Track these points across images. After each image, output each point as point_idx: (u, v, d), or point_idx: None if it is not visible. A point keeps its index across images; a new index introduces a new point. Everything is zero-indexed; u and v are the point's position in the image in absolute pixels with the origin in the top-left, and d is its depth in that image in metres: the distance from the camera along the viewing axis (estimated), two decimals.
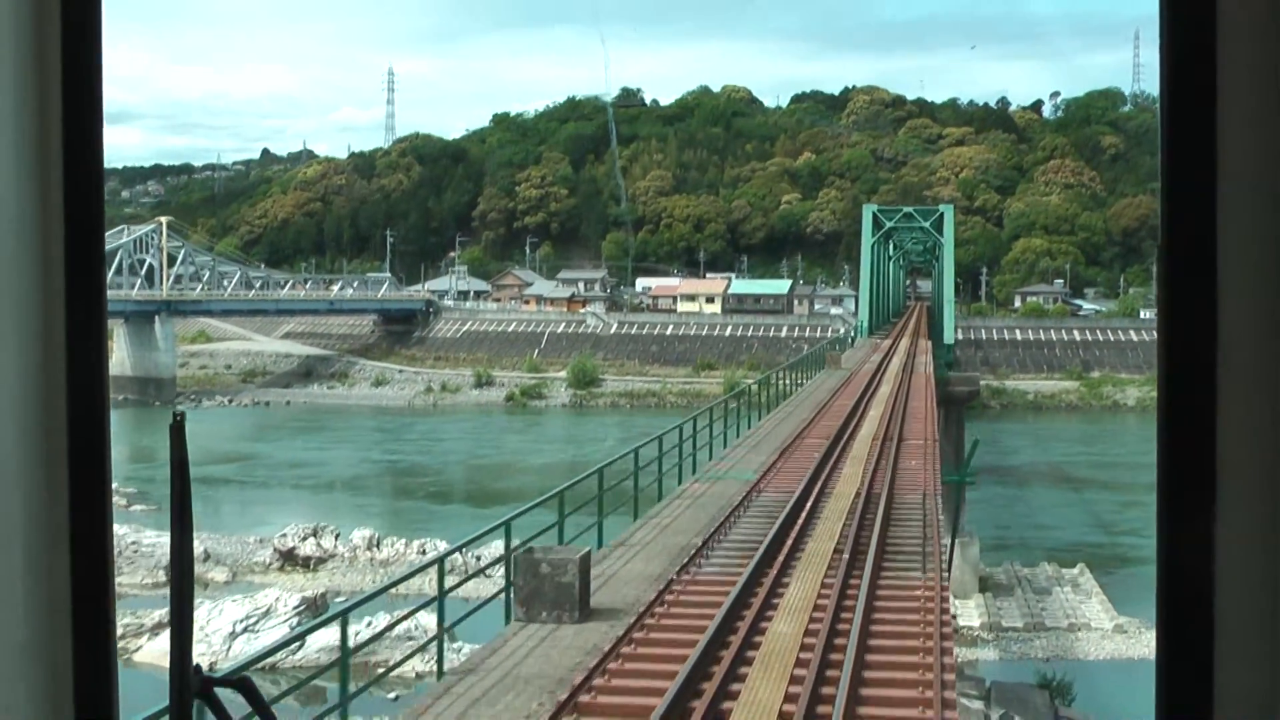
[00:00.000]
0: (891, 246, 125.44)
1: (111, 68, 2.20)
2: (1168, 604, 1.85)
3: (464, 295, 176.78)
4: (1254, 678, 1.81)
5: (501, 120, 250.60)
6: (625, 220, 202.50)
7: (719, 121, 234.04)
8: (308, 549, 63.28)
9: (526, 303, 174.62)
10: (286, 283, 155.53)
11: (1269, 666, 1.80)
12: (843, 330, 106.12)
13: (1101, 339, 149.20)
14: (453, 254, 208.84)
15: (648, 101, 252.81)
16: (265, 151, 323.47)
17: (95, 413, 2.03)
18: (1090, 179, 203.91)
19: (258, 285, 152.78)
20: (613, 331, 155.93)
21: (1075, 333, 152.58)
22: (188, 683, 2.06)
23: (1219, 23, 1.80)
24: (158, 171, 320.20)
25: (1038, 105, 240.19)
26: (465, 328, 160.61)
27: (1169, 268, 1.84)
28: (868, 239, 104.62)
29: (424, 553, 61.41)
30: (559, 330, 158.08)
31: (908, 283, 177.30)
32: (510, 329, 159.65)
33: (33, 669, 1.99)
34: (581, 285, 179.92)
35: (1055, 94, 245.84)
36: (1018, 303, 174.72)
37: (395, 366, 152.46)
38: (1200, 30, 1.81)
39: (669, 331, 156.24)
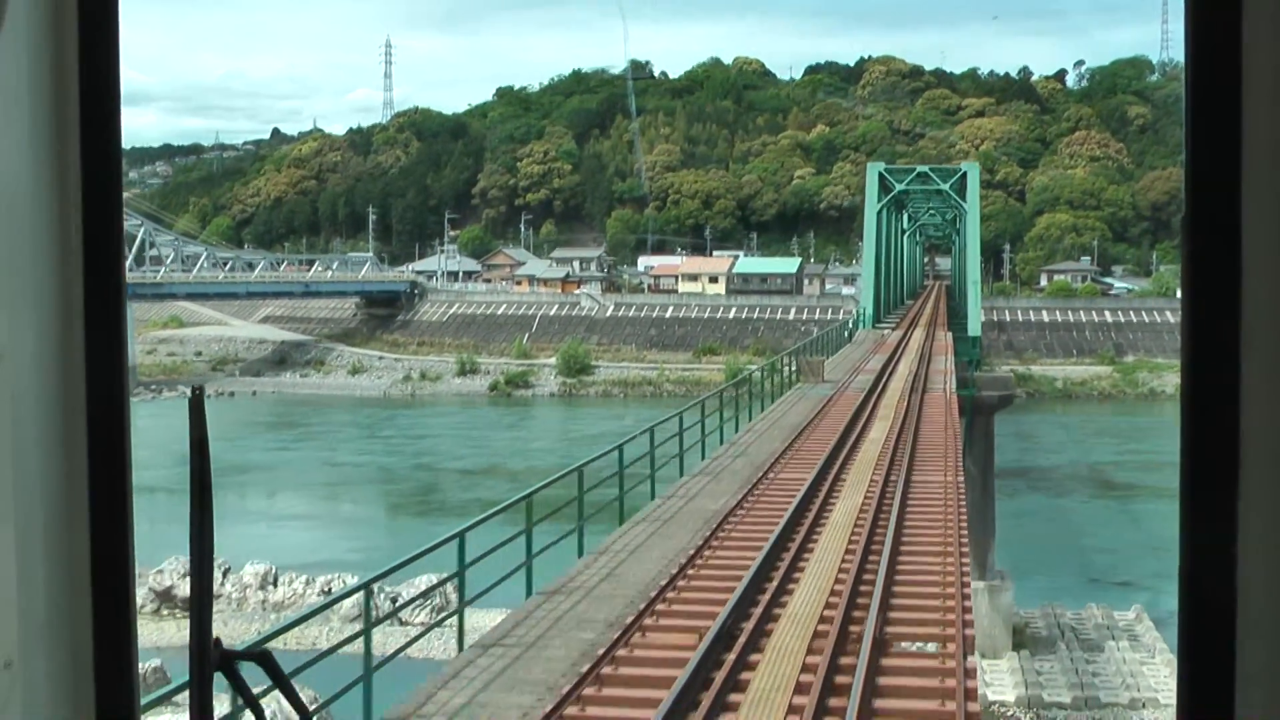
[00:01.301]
0: (906, 219, 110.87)
1: (128, 49, 2.09)
2: (1190, 593, 1.82)
3: (454, 276, 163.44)
4: (1277, 686, 1.78)
5: (505, 94, 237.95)
6: (644, 195, 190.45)
7: (729, 94, 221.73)
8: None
9: (518, 283, 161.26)
10: (258, 264, 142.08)
11: None
12: (855, 313, 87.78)
13: (1135, 320, 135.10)
14: (454, 233, 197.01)
15: (656, 74, 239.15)
16: (276, 131, 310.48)
17: (115, 394, 2.04)
18: (1117, 151, 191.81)
19: (227, 267, 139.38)
20: (609, 314, 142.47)
21: (1106, 313, 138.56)
22: (208, 656, 2.08)
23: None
24: (167, 152, 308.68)
25: (1061, 75, 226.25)
26: (452, 310, 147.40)
27: (1193, 249, 1.80)
28: (872, 205, 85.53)
29: (328, 591, 50.15)
30: (551, 313, 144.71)
31: (925, 260, 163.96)
32: (500, 312, 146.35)
33: (54, 646, 2.00)
34: (577, 265, 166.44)
35: (1079, 63, 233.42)
36: (1043, 281, 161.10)
37: (375, 353, 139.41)
38: (1225, 7, 1.77)
39: (669, 314, 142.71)
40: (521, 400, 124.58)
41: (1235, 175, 1.75)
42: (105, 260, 2.02)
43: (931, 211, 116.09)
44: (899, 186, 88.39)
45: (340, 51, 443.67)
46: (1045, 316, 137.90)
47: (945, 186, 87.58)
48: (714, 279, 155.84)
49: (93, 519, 2.01)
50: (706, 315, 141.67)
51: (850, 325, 73.35)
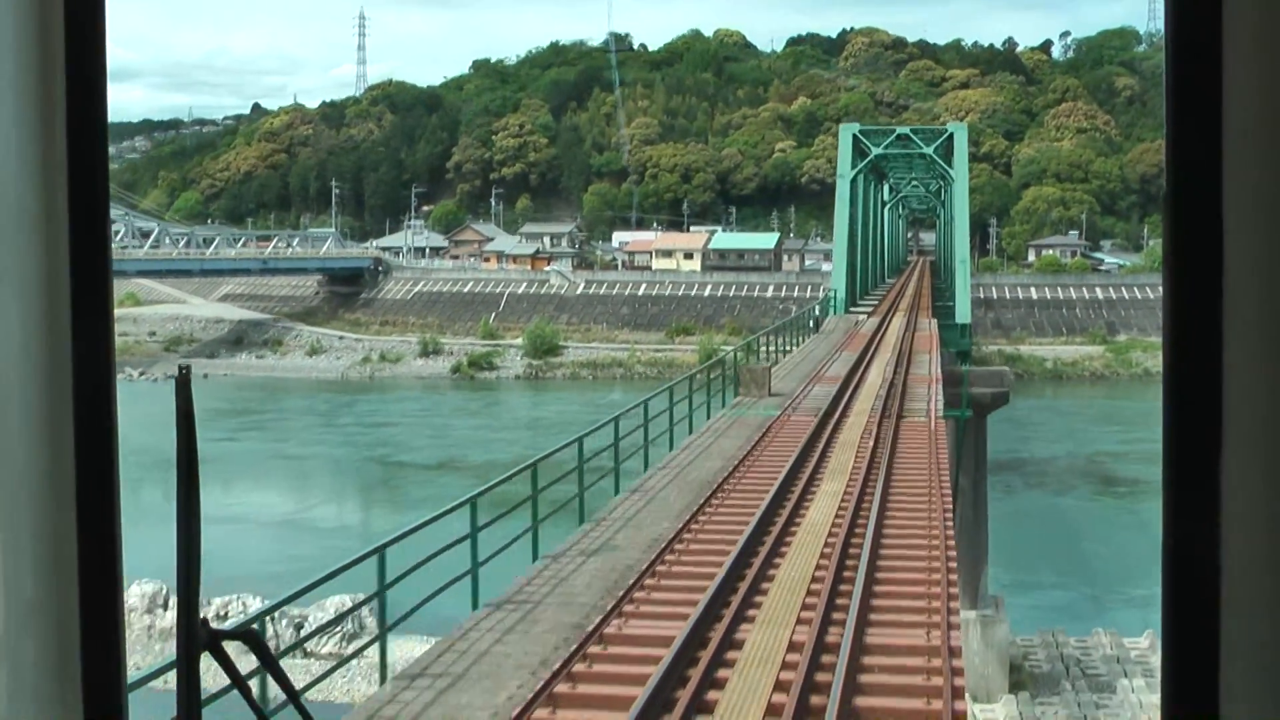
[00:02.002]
0: (886, 190, 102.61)
1: (114, 25, 1.93)
2: (1173, 589, 1.80)
3: (421, 252, 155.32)
4: (1261, 665, 1.76)
5: (481, 66, 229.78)
6: (625, 168, 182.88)
7: (709, 66, 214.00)
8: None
9: (487, 260, 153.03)
10: (214, 240, 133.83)
11: (1276, 654, 1.75)
12: (825, 295, 74.16)
13: (1127, 297, 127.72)
14: (428, 208, 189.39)
15: (635, 47, 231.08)
16: (256, 106, 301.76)
17: (101, 381, 2.00)
18: (1105, 123, 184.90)
19: (182, 243, 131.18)
20: (579, 292, 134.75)
21: (1098, 290, 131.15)
22: (195, 635, 2.07)
23: None
24: (147, 127, 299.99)
25: (1047, 46, 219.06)
26: (417, 288, 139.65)
27: (1174, 229, 1.77)
28: (846, 172, 72.61)
29: (224, 616, 43.31)
30: (520, 291, 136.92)
31: (909, 235, 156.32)
32: (466, 290, 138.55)
33: (40, 632, 1.98)
34: (548, 240, 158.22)
35: (1065, 34, 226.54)
36: (1031, 257, 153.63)
37: (335, 333, 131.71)
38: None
39: (641, 291, 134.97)
40: (485, 383, 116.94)
41: (1216, 155, 1.73)
42: (91, 245, 1.96)
43: (914, 182, 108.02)
44: (876, 150, 77.14)
45: (324, 26, 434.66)
46: (1034, 293, 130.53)
47: (929, 150, 76.12)
48: (689, 255, 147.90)
49: (79, 507, 1.98)
50: (681, 293, 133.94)
51: (817, 311, 62.38)
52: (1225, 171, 1.72)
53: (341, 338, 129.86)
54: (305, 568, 39.54)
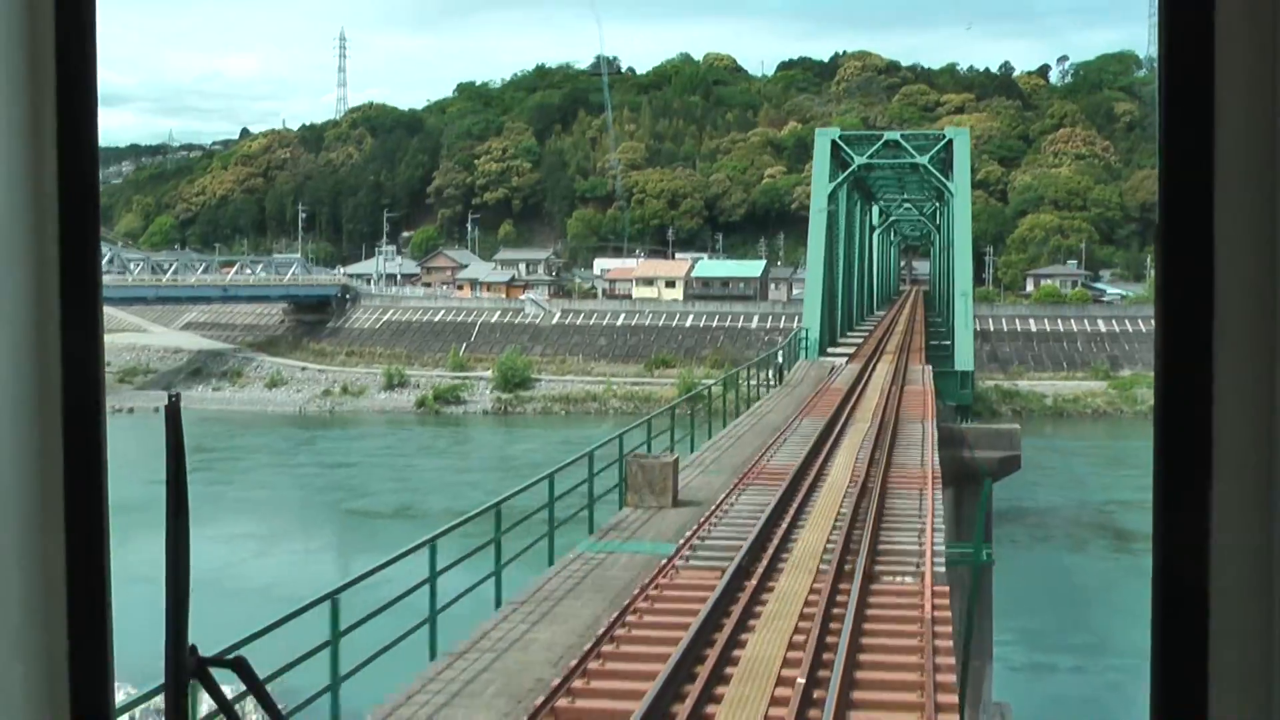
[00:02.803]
0: (876, 212, 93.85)
1: (104, 50, 2.19)
2: (1164, 598, 1.82)
3: (393, 279, 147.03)
4: (1249, 668, 1.77)
5: (466, 89, 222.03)
6: (613, 192, 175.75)
7: (698, 89, 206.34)
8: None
9: (460, 288, 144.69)
10: (170, 266, 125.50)
11: (1264, 657, 1.76)
12: (794, 336, 60.15)
13: (1130, 330, 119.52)
14: (407, 234, 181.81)
15: (623, 70, 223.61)
16: (245, 131, 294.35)
17: (90, 398, 2.00)
18: (1104, 149, 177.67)
19: (136, 269, 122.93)
20: (554, 321, 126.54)
21: (1100, 322, 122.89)
22: (184, 663, 2.06)
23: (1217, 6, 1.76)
24: (134, 152, 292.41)
25: (1044, 70, 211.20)
26: (385, 317, 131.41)
27: (1167, 255, 1.79)
28: (822, 185, 59.76)
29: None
30: (493, 320, 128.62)
31: (901, 265, 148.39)
32: (437, 318, 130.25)
33: (29, 650, 1.97)
34: (524, 267, 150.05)
35: (1063, 58, 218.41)
36: (1029, 286, 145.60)
37: (298, 363, 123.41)
38: (1198, 14, 1.77)
39: (620, 321, 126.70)
40: (451, 419, 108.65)
41: (1208, 180, 1.74)
42: (81, 265, 1.96)
43: (906, 204, 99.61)
44: (859, 159, 64.10)
45: (316, 51, 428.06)
46: (1033, 325, 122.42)
47: (923, 160, 63.98)
48: (670, 283, 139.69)
49: (68, 523, 1.97)
50: (661, 323, 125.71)
51: (780, 359, 49.16)
52: (1216, 202, 1.72)
53: (304, 369, 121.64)
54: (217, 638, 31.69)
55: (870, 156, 65.34)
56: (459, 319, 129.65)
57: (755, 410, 36.28)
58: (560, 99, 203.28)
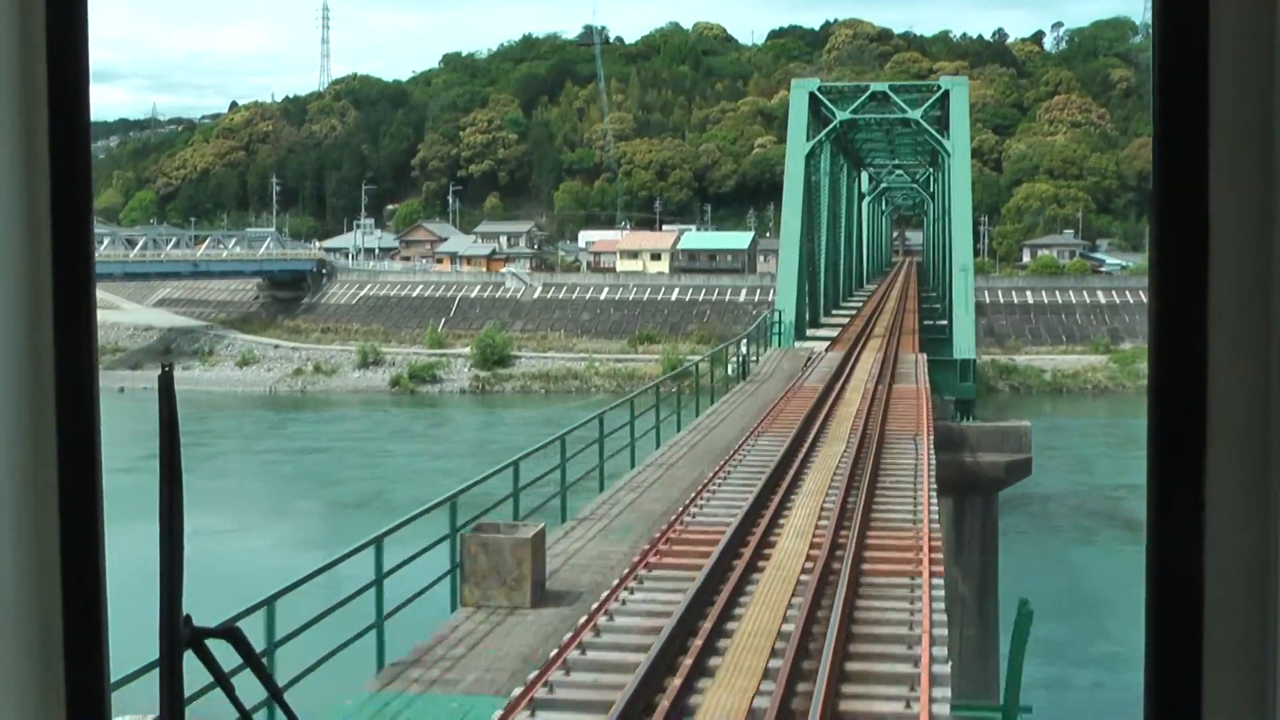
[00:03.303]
0: (865, 179, 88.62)
1: (96, 27, 2.21)
2: (1157, 600, 1.80)
3: (372, 253, 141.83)
4: (1243, 675, 1.76)
5: (451, 60, 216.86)
6: (605, 162, 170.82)
7: (687, 59, 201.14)
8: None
9: (439, 261, 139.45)
10: (139, 241, 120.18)
11: (1257, 663, 1.75)
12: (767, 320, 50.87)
13: (1131, 301, 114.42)
14: (391, 206, 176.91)
15: (611, 39, 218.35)
16: (234, 104, 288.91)
17: (84, 383, 1.98)
18: (1100, 116, 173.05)
19: (103, 244, 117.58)
20: (535, 296, 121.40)
21: (1099, 294, 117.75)
22: (178, 634, 2.05)
23: None
24: (122, 127, 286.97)
25: (1039, 37, 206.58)
26: (362, 292, 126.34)
27: (1161, 238, 1.77)
28: (799, 145, 52.19)
29: None
30: (473, 295, 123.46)
31: (894, 235, 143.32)
32: (415, 293, 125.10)
33: (22, 645, 1.95)
34: (505, 240, 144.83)
35: (1058, 24, 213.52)
36: (1025, 257, 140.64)
37: (271, 341, 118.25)
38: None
39: (604, 295, 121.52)
40: (427, 399, 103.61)
41: (1203, 162, 1.73)
42: (74, 248, 1.94)
43: (898, 171, 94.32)
44: (843, 115, 56.16)
45: (309, 26, 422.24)
46: (1030, 297, 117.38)
47: (915, 115, 55.63)
48: (656, 256, 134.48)
49: (62, 508, 1.95)
50: (646, 297, 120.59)
51: (744, 348, 40.04)
52: (1212, 174, 1.71)
53: (277, 346, 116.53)
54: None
55: (855, 111, 58.09)
56: (438, 294, 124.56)
57: (703, 421, 28.76)
58: (547, 70, 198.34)
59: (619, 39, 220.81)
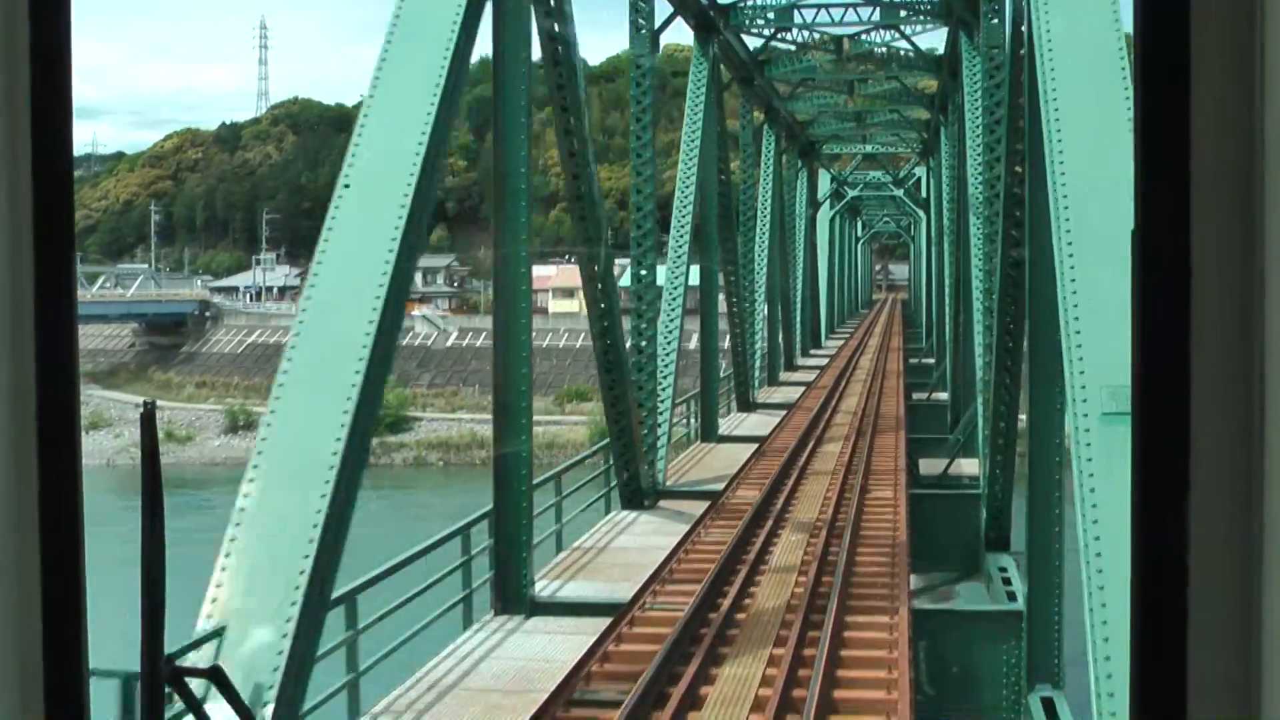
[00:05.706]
0: (826, 180, 66.59)
1: (80, 64, 2.16)
2: (1143, 594, 1.78)
3: (269, 292, 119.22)
4: (1227, 669, 1.74)
5: None
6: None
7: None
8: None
9: None
10: None
11: (1242, 657, 1.73)
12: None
13: None
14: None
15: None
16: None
17: (65, 397, 1.96)
18: None
19: None
20: (449, 342, 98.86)
21: None
22: (159, 672, 2.02)
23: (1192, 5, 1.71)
24: (86, 161, 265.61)
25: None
26: (251, 338, 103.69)
27: (1145, 257, 1.75)
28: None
29: None
30: None
31: (876, 268, 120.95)
32: None
33: (2, 651, 1.92)
34: (420, 277, 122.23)
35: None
36: None
37: (134, 399, 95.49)
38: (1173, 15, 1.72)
39: (533, 342, 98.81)
40: None
41: (1184, 166, 1.70)
42: (55, 267, 1.92)
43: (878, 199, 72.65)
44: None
45: (290, 61, 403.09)
46: None
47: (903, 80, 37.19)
48: None
49: (42, 522, 1.92)
50: (579, 344, 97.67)
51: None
52: (1193, 189, 1.68)
53: (138, 406, 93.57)
54: None
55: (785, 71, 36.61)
56: None
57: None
58: None
59: (582, 60, 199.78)
